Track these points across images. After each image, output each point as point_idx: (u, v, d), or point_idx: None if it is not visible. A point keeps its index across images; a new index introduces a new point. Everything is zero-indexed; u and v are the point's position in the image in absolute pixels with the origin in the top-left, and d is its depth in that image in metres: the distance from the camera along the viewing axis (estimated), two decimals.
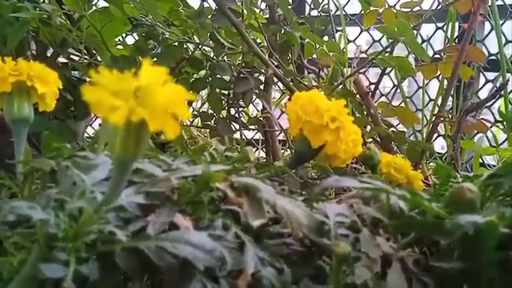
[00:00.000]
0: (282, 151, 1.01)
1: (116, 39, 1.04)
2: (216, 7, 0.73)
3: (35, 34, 0.96)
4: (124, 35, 1.07)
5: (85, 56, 0.98)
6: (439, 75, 0.96)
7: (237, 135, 0.93)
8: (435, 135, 0.98)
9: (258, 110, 1.14)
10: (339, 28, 1.03)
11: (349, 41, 1.09)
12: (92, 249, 0.27)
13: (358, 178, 0.31)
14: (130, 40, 1.08)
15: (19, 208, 0.25)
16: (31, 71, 0.36)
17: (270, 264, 0.29)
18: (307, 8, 1.15)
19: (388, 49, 0.83)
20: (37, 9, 0.86)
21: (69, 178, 0.29)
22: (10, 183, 0.33)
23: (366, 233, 0.32)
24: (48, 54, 1.01)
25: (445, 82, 0.93)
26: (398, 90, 1.03)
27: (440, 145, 1.14)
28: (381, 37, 1.12)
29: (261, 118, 0.96)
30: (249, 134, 1.10)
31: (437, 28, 1.06)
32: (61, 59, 1.01)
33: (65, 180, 0.29)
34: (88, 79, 0.98)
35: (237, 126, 0.91)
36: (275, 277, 0.29)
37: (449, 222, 0.27)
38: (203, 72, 0.91)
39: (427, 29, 1.09)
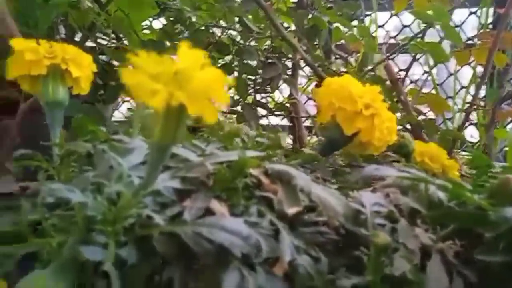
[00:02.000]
0: (308, 137, 1.00)
1: (143, 23, 1.04)
2: None
3: (63, 18, 0.97)
4: (151, 19, 1.07)
5: (113, 40, 0.99)
6: (471, 62, 0.93)
7: (263, 121, 0.92)
8: (469, 122, 0.95)
9: (284, 97, 1.13)
10: (367, 13, 1.01)
11: (378, 27, 1.06)
12: (130, 233, 0.27)
13: (396, 167, 0.30)
14: (156, 24, 1.08)
15: (58, 191, 0.25)
16: (65, 54, 0.36)
17: (306, 252, 0.29)
18: None
19: (420, 35, 0.81)
20: None
21: (106, 161, 0.29)
22: (46, 166, 0.34)
23: (404, 224, 0.32)
24: (76, 38, 1.03)
25: (477, 69, 0.90)
26: (428, 77, 1.01)
27: (469, 133, 1.11)
28: (411, 23, 1.09)
29: (287, 104, 0.96)
30: (275, 120, 1.09)
31: (470, 13, 1.03)
32: (89, 43, 1.01)
33: (101, 164, 0.29)
34: (116, 63, 0.99)
35: (264, 112, 0.91)
36: (311, 266, 0.28)
37: (494, 214, 0.26)
38: (229, 57, 0.91)
39: (459, 14, 1.05)
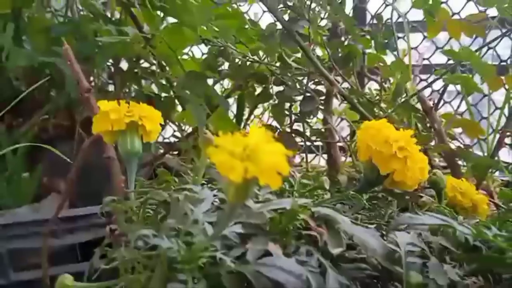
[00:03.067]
0: (342, 158, 1.05)
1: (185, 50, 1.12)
2: (284, 30, 0.78)
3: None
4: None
5: (157, 70, 1.06)
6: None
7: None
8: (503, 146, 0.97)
9: (318, 118, 1.18)
10: (400, 35, 1.04)
11: (411, 49, 1.09)
12: (203, 271, 0.33)
13: (427, 213, 0.35)
14: (196, 49, 1.15)
15: (151, 238, 0.31)
16: (141, 112, 0.43)
17: (348, 287, 0.34)
18: (368, 16, 1.16)
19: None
20: (119, 33, 0.95)
21: (180, 209, 0.36)
22: (126, 208, 0.40)
23: (435, 261, 0.36)
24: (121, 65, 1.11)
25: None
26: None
27: (507, 153, 1.12)
28: (446, 43, 1.12)
29: (323, 129, 1.00)
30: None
31: (503, 35, 1.04)
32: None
33: (176, 211, 0.36)
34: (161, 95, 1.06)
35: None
36: None
37: (509, 257, 0.31)
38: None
39: (492, 34, 1.07)
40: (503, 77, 0.91)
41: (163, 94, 1.05)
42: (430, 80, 1.09)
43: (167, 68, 1.06)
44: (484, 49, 1.02)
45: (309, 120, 1.12)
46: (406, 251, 0.36)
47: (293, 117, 0.92)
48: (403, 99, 0.79)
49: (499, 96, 1.06)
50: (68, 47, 0.69)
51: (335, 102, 1.14)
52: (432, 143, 0.82)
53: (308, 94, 0.78)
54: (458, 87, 1.07)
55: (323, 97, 0.93)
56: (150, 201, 0.39)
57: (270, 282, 0.32)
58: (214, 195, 0.38)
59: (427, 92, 1.02)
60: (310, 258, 0.35)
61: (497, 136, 0.90)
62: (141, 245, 0.33)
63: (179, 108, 1.08)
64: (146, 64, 1.10)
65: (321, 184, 0.42)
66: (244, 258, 0.33)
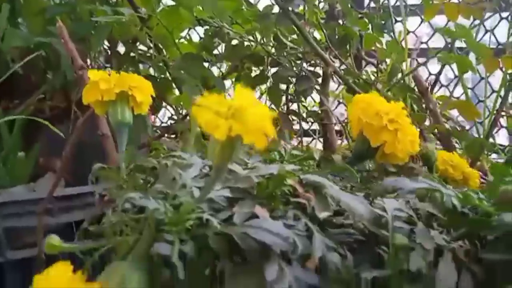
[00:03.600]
0: (339, 141, 1.05)
1: (182, 34, 1.11)
2: (280, 10, 0.78)
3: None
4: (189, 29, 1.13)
5: (154, 53, 1.06)
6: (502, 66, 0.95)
7: (295, 126, 0.97)
8: (499, 127, 0.97)
9: (315, 101, 1.18)
10: (398, 19, 1.04)
11: (409, 32, 1.09)
12: (190, 233, 0.33)
13: (414, 178, 0.35)
14: (193, 34, 1.15)
15: (138, 200, 0.32)
16: (131, 82, 0.43)
17: (335, 250, 0.35)
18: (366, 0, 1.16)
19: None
20: (115, 13, 0.95)
21: (169, 175, 0.36)
22: (117, 177, 0.41)
23: (421, 227, 0.37)
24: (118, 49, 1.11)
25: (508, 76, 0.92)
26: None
27: (505, 136, 1.12)
28: (444, 26, 1.11)
29: (319, 111, 1.01)
30: (306, 125, 1.14)
31: (501, 19, 1.04)
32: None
33: (165, 176, 0.36)
34: (157, 75, 1.06)
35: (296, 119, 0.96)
36: (339, 262, 0.34)
37: (495, 219, 0.31)
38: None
39: (491, 18, 1.07)
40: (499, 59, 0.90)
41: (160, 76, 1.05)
42: (428, 64, 1.09)
43: (164, 51, 1.06)
44: (482, 33, 1.02)
45: (306, 103, 1.12)
46: (393, 216, 0.36)
47: (290, 98, 0.92)
48: (398, 79, 0.79)
49: (497, 80, 1.07)
50: (62, 25, 0.69)
51: (333, 86, 1.15)
52: (428, 125, 0.82)
53: (304, 74, 0.78)
54: (456, 71, 1.06)
55: (320, 79, 0.93)
56: (140, 170, 0.40)
57: (257, 243, 0.32)
58: (204, 164, 0.38)
59: (424, 76, 1.02)
60: (297, 223, 0.35)
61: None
62: (129, 207, 0.34)
63: (177, 93, 1.08)
64: (143, 49, 1.10)
65: (311, 154, 0.42)
66: (231, 220, 0.33)
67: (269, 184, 0.35)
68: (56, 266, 0.32)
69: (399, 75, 0.80)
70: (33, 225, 0.74)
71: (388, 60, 0.94)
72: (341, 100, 1.19)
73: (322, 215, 0.36)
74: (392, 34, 0.99)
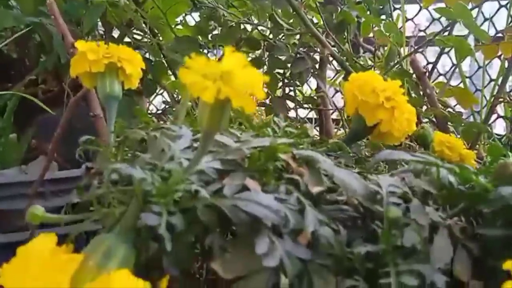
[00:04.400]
0: (335, 130, 1.04)
1: (178, 19, 1.10)
2: None
3: (102, 15, 1.03)
4: (185, 13, 1.12)
5: (149, 37, 1.04)
6: (501, 55, 0.94)
7: (291, 113, 0.96)
8: (496, 116, 0.96)
9: (312, 89, 1.17)
10: (397, 6, 1.03)
11: (407, 19, 1.08)
12: (179, 205, 0.32)
13: (410, 152, 0.34)
14: (189, 19, 1.13)
15: (123, 169, 0.30)
16: (120, 54, 0.41)
17: (327, 225, 0.34)
18: None
19: (448, 29, 0.83)
20: None
21: (157, 146, 0.35)
22: (105, 150, 0.39)
23: (416, 203, 0.36)
24: (114, 34, 1.09)
25: (506, 62, 0.91)
26: (457, 70, 1.02)
27: (502, 126, 1.11)
28: (441, 16, 1.10)
29: (315, 97, 0.99)
30: (303, 113, 1.13)
31: (500, 6, 1.03)
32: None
33: (154, 148, 0.35)
34: (152, 59, 1.05)
35: (292, 105, 0.95)
36: (332, 236, 0.33)
37: (492, 194, 0.30)
38: (259, 51, 0.95)
39: (490, 6, 1.06)
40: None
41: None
42: (426, 52, 1.08)
43: (159, 36, 1.05)
44: (480, 22, 1.01)
45: (302, 90, 1.11)
46: (388, 192, 0.35)
47: (286, 82, 0.90)
48: (395, 63, 0.78)
49: (494, 71, 1.06)
50: (52, 1, 0.67)
51: (330, 75, 1.13)
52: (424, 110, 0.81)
53: (299, 56, 0.76)
54: (454, 60, 1.05)
55: (317, 65, 0.92)
56: (128, 143, 0.39)
57: (247, 216, 0.31)
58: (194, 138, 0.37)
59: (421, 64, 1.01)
60: (289, 197, 0.34)
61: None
62: (116, 179, 0.33)
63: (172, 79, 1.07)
64: (138, 33, 1.08)
65: (304, 131, 0.41)
66: (221, 192, 0.32)
67: (260, 157, 0.34)
68: (39, 237, 0.31)
69: (397, 60, 0.79)
70: (24, 208, 0.73)
71: (385, 48, 0.93)
72: (338, 88, 1.18)
73: (315, 189, 0.35)
74: (390, 19, 0.98)
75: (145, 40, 1.04)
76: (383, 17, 0.99)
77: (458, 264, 0.32)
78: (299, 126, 0.47)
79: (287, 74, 0.93)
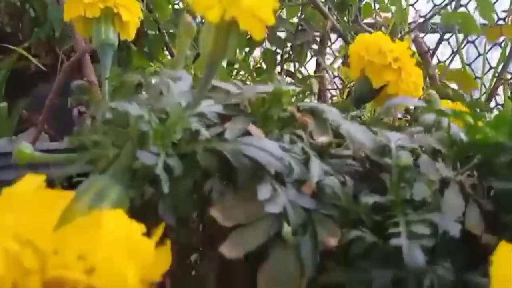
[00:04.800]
0: None
1: None
2: None
3: None
4: None
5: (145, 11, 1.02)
6: (501, 42, 0.93)
7: None
8: (494, 104, 0.96)
9: (309, 74, 1.15)
10: None
11: (409, 5, 1.06)
12: (177, 148, 0.30)
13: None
14: None
15: (119, 105, 0.28)
16: None
17: (333, 176, 0.32)
18: None
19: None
20: None
21: (156, 89, 0.33)
22: (98, 94, 0.37)
23: (426, 158, 0.34)
24: None
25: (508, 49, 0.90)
26: (456, 57, 1.01)
27: None
28: (441, 2, 1.09)
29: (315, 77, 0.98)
30: None
31: None
32: None
33: (151, 90, 0.33)
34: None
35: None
36: (338, 187, 0.31)
37: (509, 142, 0.29)
38: None
39: None
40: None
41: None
42: (426, 41, 1.06)
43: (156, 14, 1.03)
44: None
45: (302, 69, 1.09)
46: (396, 146, 0.33)
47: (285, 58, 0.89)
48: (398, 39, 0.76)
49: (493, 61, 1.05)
50: None
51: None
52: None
53: (301, 28, 0.74)
54: (455, 48, 1.04)
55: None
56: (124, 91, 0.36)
57: (250, 161, 0.29)
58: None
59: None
60: (294, 146, 0.32)
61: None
62: (110, 118, 0.31)
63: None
64: None
65: (309, 86, 0.39)
66: (223, 136, 0.30)
67: (264, 102, 0.32)
68: (26, 177, 0.29)
69: (399, 35, 0.77)
70: (14, 178, 0.71)
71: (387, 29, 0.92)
72: (336, 73, 1.16)
73: (321, 139, 0.33)
74: None
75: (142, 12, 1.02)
76: None
77: (470, 218, 0.30)
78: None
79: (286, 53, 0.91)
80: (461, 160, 0.35)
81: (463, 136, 0.36)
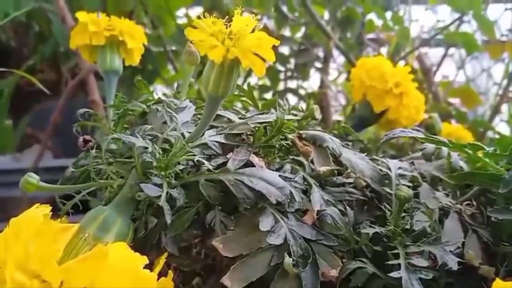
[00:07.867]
0: None
1: (180, 13, 1.09)
2: None
3: (102, 6, 1.01)
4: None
5: (150, 28, 1.03)
6: (504, 58, 0.94)
7: None
8: (499, 120, 0.96)
9: (313, 90, 1.15)
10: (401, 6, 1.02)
11: (412, 21, 1.07)
12: (180, 179, 0.30)
13: (422, 132, 0.33)
14: (192, 12, 1.12)
15: (123, 138, 0.29)
16: (122, 27, 0.40)
17: (334, 206, 0.32)
18: None
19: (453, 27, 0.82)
20: None
21: (159, 118, 0.33)
22: (104, 123, 0.38)
23: (426, 187, 0.34)
24: None
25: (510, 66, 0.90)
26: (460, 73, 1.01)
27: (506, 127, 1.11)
28: (444, 20, 1.10)
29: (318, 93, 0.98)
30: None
31: (506, 9, 1.02)
32: None
33: (155, 121, 0.33)
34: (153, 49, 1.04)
35: (294, 100, 0.94)
36: (339, 217, 0.31)
37: (507, 174, 0.29)
38: None
39: (495, 10, 1.05)
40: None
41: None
42: (431, 54, 1.07)
43: (160, 30, 1.04)
44: None
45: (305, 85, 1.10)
46: (397, 174, 0.34)
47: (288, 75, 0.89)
48: (400, 58, 0.77)
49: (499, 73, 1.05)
50: None
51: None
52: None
53: (303, 47, 0.75)
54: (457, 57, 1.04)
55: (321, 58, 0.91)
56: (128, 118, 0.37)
57: (251, 192, 0.30)
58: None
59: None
60: (295, 176, 0.33)
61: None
62: (114, 150, 0.31)
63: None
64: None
65: (311, 112, 0.39)
66: (225, 167, 0.31)
67: (266, 132, 0.33)
68: (32, 208, 0.30)
69: (402, 54, 0.78)
70: (18, 195, 0.72)
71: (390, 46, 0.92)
72: (339, 89, 1.17)
73: (322, 169, 0.33)
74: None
75: (147, 31, 1.03)
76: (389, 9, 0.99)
77: (469, 248, 0.30)
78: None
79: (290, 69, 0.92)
80: (460, 188, 0.35)
81: (463, 164, 0.36)
